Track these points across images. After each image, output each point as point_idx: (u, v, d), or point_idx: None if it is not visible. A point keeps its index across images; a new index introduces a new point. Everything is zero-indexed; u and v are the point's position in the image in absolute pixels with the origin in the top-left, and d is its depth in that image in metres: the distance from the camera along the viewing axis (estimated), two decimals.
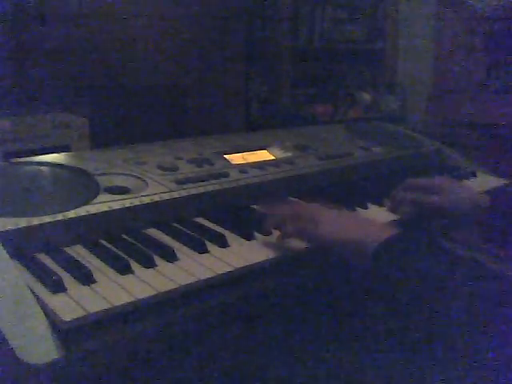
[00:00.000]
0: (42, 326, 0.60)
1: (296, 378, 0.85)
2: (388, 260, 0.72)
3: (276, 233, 0.86)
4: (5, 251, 0.70)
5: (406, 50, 2.97)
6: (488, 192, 0.98)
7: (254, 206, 1.00)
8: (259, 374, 0.81)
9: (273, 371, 0.82)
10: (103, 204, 0.85)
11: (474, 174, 1.29)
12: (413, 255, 0.71)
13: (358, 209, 1.01)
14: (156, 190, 0.92)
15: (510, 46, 2.49)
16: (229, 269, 0.75)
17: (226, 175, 1.02)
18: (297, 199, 0.95)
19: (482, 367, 0.63)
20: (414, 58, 2.91)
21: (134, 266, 0.73)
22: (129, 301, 0.65)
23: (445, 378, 0.72)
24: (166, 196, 0.91)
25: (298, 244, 0.82)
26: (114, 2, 1.85)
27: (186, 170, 1.02)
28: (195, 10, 2.04)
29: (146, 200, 0.89)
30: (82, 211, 0.82)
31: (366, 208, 1.03)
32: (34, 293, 0.64)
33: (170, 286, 0.69)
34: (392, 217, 1.00)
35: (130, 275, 0.71)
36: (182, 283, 0.70)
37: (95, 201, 0.85)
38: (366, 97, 2.94)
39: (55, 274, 0.68)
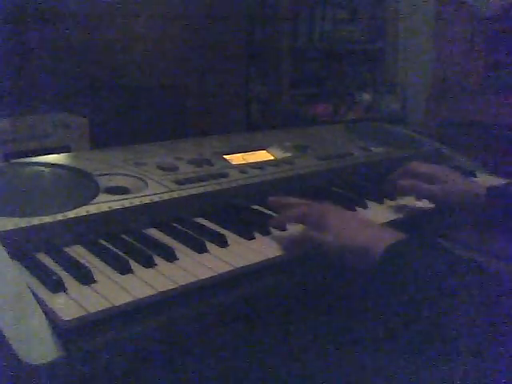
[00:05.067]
0: (41, 325, 0.60)
1: (296, 379, 0.85)
2: (395, 264, 0.72)
3: (275, 232, 0.86)
4: (5, 251, 0.70)
5: (406, 50, 2.97)
6: (488, 189, 0.97)
7: (255, 206, 1.01)
8: (259, 374, 0.81)
9: (273, 371, 0.82)
10: (103, 204, 0.85)
11: (474, 174, 1.29)
12: (420, 260, 0.71)
13: (358, 209, 1.01)
14: (156, 190, 0.92)
15: (510, 46, 2.49)
16: (228, 268, 0.75)
17: (225, 175, 1.02)
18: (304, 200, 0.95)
19: (482, 367, 0.63)
20: (414, 58, 2.91)
21: (134, 265, 0.73)
22: (129, 300, 0.65)
23: (445, 378, 0.72)
24: (166, 196, 0.91)
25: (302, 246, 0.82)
26: (113, 2, 1.85)
27: (186, 170, 1.02)
28: (195, 10, 2.04)
29: (146, 200, 0.89)
30: (82, 211, 0.82)
31: (366, 207, 1.03)
32: (33, 293, 0.64)
33: (170, 285, 0.69)
34: (392, 216, 1.00)
35: (130, 275, 0.71)
36: (182, 283, 0.70)
37: (95, 201, 0.85)
38: (366, 97, 2.94)
39: (55, 273, 0.68)
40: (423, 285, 0.69)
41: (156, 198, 0.90)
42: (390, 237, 0.75)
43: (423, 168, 1.05)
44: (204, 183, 0.98)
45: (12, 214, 0.77)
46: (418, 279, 0.69)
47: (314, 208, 0.87)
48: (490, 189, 0.97)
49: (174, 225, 0.88)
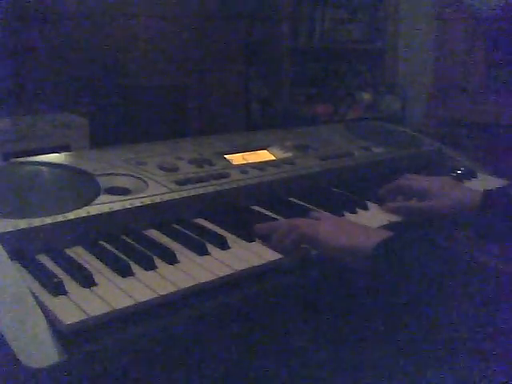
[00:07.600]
0: (42, 329, 0.60)
1: (296, 380, 0.85)
2: (386, 260, 0.73)
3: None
4: (5, 253, 0.70)
5: (406, 50, 2.97)
6: (483, 191, 0.98)
7: (256, 207, 1.00)
8: (260, 376, 0.81)
9: (273, 373, 0.82)
10: (104, 205, 0.85)
11: (474, 174, 1.29)
12: (410, 255, 0.73)
13: (358, 210, 1.01)
14: (156, 190, 0.92)
15: (510, 46, 2.48)
16: (229, 271, 0.74)
17: (226, 176, 1.02)
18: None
19: (481, 365, 0.63)
20: (414, 58, 2.91)
21: (135, 268, 0.73)
22: (129, 304, 0.65)
23: (444, 377, 0.72)
24: (167, 197, 0.91)
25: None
26: (114, 2, 1.84)
27: (187, 170, 1.02)
28: (195, 10, 2.04)
29: (147, 201, 0.88)
30: (83, 212, 0.82)
31: (366, 209, 1.02)
32: (34, 295, 0.64)
33: (171, 288, 0.69)
34: (391, 217, 1.00)
35: (131, 277, 0.71)
36: (183, 285, 0.70)
37: (96, 202, 0.85)
38: (366, 97, 2.94)
39: (56, 276, 0.68)
40: (417, 280, 0.70)
41: (157, 199, 0.89)
42: (380, 235, 0.77)
43: (415, 184, 1.04)
44: (205, 184, 0.97)
45: (12, 215, 0.77)
46: (411, 275, 0.71)
47: (301, 223, 0.86)
48: (484, 193, 0.98)
49: (175, 226, 0.88)
